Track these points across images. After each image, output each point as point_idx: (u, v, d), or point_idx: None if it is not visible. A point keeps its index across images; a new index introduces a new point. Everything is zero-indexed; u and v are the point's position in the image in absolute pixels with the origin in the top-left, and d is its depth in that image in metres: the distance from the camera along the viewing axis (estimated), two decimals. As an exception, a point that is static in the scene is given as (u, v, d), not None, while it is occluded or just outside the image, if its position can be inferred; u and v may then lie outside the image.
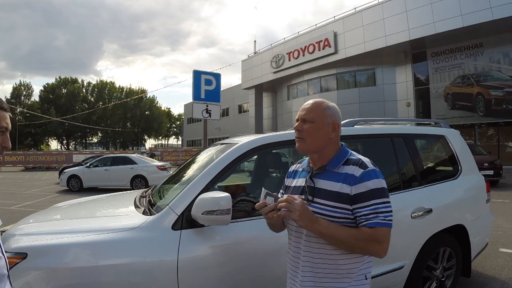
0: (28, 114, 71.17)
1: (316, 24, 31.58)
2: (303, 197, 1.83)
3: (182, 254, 2.57)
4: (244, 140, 3.23)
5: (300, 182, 1.96)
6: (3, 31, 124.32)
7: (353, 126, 3.67)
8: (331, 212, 1.74)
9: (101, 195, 4.79)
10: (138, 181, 16.19)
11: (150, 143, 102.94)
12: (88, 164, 17.65)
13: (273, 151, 3.66)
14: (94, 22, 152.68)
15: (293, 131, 2.00)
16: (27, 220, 3.46)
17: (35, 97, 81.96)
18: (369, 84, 29.46)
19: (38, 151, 47.42)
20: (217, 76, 9.34)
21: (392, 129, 4.03)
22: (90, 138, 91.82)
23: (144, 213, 2.95)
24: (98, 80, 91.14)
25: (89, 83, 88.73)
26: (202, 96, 8.94)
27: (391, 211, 1.72)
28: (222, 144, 3.66)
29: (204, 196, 2.56)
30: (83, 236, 2.62)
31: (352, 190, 1.73)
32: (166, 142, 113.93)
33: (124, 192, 5.03)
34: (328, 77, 32.12)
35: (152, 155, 28.66)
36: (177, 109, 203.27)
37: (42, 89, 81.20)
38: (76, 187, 16.63)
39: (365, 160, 1.82)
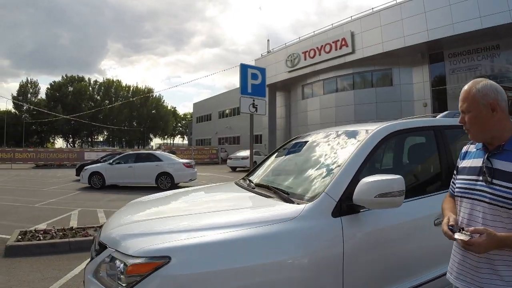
0: (34, 112, 71.04)
1: (332, 24, 31.58)
2: (481, 178, 1.77)
3: (347, 243, 2.38)
4: (376, 126, 3.06)
5: (475, 162, 1.87)
6: (7, 30, 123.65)
7: (453, 117, 3.56)
8: None
9: (179, 190, 4.31)
10: (164, 179, 15.88)
11: (155, 142, 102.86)
12: (111, 161, 17.29)
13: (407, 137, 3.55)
14: (97, 21, 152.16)
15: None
16: (130, 218, 2.91)
17: (42, 95, 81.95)
18: (386, 84, 29.37)
19: (49, 149, 47.20)
20: (263, 71, 9.23)
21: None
22: (95, 137, 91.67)
23: (286, 200, 2.69)
24: (105, 79, 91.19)
25: (95, 81, 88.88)
26: (249, 90, 8.84)
27: None
28: (329, 133, 3.63)
29: (373, 179, 2.35)
30: (235, 231, 2.25)
31: None
32: (171, 141, 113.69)
33: (209, 185, 4.79)
34: (344, 77, 32.02)
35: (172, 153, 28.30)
36: (181, 109, 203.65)
37: (49, 87, 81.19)
38: (98, 184, 16.30)
39: None
